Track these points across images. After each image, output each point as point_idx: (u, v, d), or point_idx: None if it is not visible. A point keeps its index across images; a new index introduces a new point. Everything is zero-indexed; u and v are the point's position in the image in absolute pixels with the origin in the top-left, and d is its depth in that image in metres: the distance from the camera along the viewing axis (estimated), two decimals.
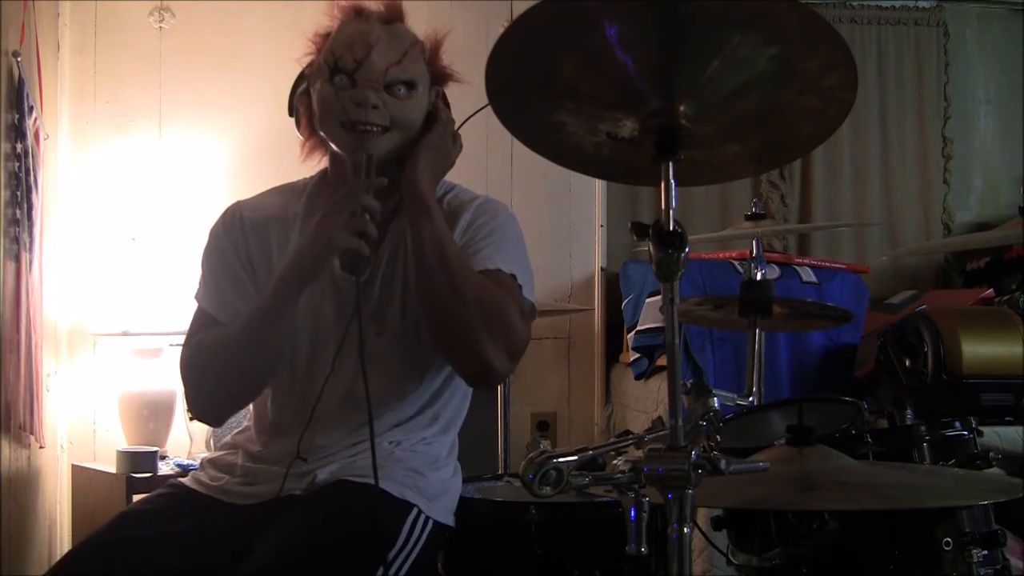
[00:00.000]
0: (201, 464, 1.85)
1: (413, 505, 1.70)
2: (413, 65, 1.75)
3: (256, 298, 1.76)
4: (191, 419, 3.19)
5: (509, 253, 1.76)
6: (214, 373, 1.75)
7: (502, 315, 1.66)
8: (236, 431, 1.90)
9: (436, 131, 1.77)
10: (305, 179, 1.88)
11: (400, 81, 1.73)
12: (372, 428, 1.60)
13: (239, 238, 1.82)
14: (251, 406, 1.86)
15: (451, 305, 1.66)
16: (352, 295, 1.67)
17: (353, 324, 1.65)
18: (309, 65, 1.79)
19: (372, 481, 1.61)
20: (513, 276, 1.73)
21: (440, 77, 1.81)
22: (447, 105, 1.83)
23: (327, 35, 1.77)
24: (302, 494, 1.70)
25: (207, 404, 1.80)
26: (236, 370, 1.74)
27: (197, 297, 1.83)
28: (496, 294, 1.67)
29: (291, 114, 1.82)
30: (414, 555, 1.66)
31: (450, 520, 1.78)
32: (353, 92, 1.71)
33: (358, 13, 1.76)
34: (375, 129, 1.70)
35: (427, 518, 1.71)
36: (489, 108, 1.31)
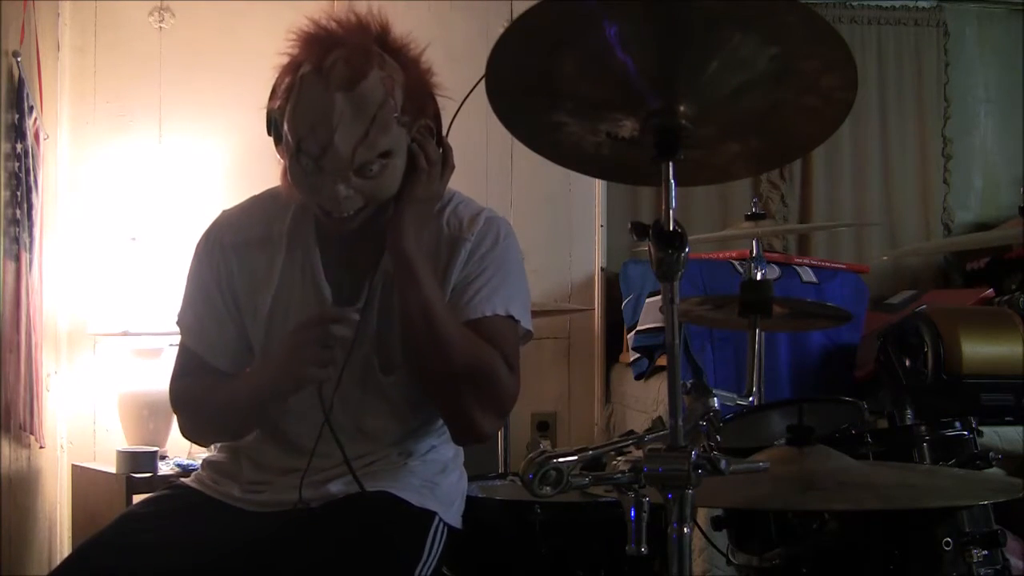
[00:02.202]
0: (202, 464, 1.84)
1: (433, 514, 1.69)
2: (383, 136, 1.59)
3: (237, 332, 1.77)
4: None
5: (506, 289, 1.71)
6: (198, 422, 1.82)
7: (492, 381, 1.64)
8: None
9: (419, 184, 1.65)
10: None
11: (370, 160, 1.59)
12: (353, 469, 1.63)
13: (220, 263, 1.77)
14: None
15: (440, 375, 1.64)
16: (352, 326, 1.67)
17: (354, 354, 1.67)
18: (293, 63, 1.65)
19: (386, 491, 1.65)
20: (509, 316, 1.70)
21: (423, 109, 1.65)
22: (437, 131, 1.68)
23: (295, 66, 1.62)
24: (317, 506, 1.68)
25: (197, 437, 1.90)
26: (218, 425, 1.80)
27: (179, 322, 1.81)
28: (486, 358, 1.64)
29: (270, 132, 1.68)
30: (434, 564, 1.66)
31: (459, 523, 1.78)
32: (321, 180, 1.60)
33: (317, 71, 1.59)
34: (349, 214, 1.63)
35: (445, 525, 1.71)
36: (488, 108, 1.30)
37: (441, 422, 1.79)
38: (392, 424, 1.75)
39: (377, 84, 1.59)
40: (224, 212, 1.84)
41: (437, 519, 1.69)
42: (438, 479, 1.76)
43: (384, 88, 1.59)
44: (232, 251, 1.77)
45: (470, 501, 1.84)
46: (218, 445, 1.88)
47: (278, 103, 1.64)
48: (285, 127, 1.62)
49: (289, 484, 1.70)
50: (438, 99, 1.70)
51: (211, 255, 1.78)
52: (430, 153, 1.66)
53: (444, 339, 1.63)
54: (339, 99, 1.57)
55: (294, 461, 1.72)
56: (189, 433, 1.85)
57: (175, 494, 1.77)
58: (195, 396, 1.79)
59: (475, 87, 1.52)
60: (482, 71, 1.25)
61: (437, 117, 1.69)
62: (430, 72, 1.68)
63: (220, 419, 1.77)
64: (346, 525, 1.62)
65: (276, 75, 1.66)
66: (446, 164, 1.69)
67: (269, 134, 1.68)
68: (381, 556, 1.58)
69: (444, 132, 1.70)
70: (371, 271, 1.71)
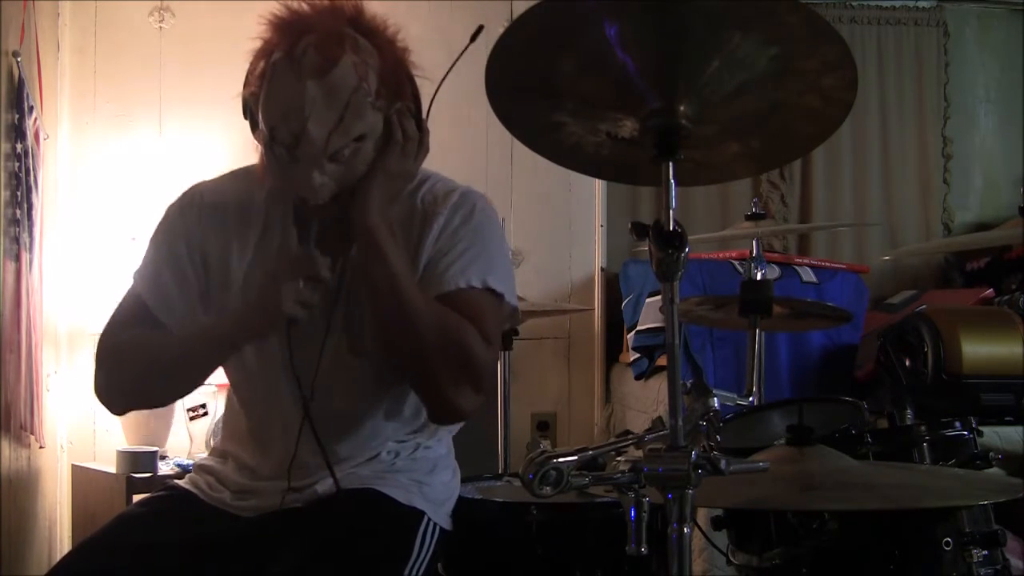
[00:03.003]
0: (195, 467, 1.82)
1: (422, 512, 1.68)
2: (356, 121, 1.57)
3: (198, 292, 1.72)
4: (188, 412, 3.19)
5: (483, 261, 1.67)
6: (132, 377, 1.71)
7: (464, 354, 1.58)
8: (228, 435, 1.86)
9: (392, 156, 1.62)
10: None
11: (343, 146, 1.57)
12: (331, 468, 1.60)
13: (194, 225, 1.74)
14: (243, 416, 1.80)
15: (410, 350, 1.60)
16: (319, 311, 1.64)
17: (328, 342, 1.65)
18: (265, 48, 1.62)
19: (373, 488, 1.62)
20: (488, 289, 1.66)
21: (399, 91, 1.62)
22: (416, 111, 1.65)
23: (267, 52, 1.61)
24: (305, 507, 1.67)
25: (115, 397, 1.75)
26: (157, 383, 1.71)
27: (135, 276, 1.76)
28: (459, 331, 1.58)
29: (246, 117, 1.67)
30: (425, 563, 1.65)
31: (449, 524, 1.76)
32: (295, 169, 1.58)
33: (289, 58, 1.57)
34: (324, 201, 1.60)
35: (435, 525, 1.70)
36: (488, 108, 1.30)
37: (428, 420, 1.76)
38: (364, 407, 1.71)
39: (349, 70, 1.56)
40: (201, 181, 1.81)
41: (426, 518, 1.68)
42: (427, 478, 1.74)
43: (357, 73, 1.57)
44: (210, 211, 1.75)
45: (466, 502, 1.83)
46: (210, 448, 1.85)
47: (251, 90, 1.63)
48: (259, 115, 1.61)
49: (275, 488, 1.69)
50: (417, 79, 1.67)
51: (185, 215, 1.76)
52: (407, 128, 1.63)
53: (412, 313, 1.58)
54: (311, 87, 1.55)
55: (277, 465, 1.71)
56: (116, 389, 1.72)
57: (169, 496, 1.77)
58: (139, 347, 1.70)
59: (449, 70, 1.54)
60: (482, 71, 1.24)
61: (416, 98, 1.66)
62: (407, 53, 1.65)
63: (168, 371, 1.68)
64: (333, 524, 1.61)
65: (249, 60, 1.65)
66: (421, 145, 1.66)
67: (245, 118, 1.66)
68: (370, 555, 1.57)
69: (424, 114, 1.67)
70: (344, 252, 1.68)
